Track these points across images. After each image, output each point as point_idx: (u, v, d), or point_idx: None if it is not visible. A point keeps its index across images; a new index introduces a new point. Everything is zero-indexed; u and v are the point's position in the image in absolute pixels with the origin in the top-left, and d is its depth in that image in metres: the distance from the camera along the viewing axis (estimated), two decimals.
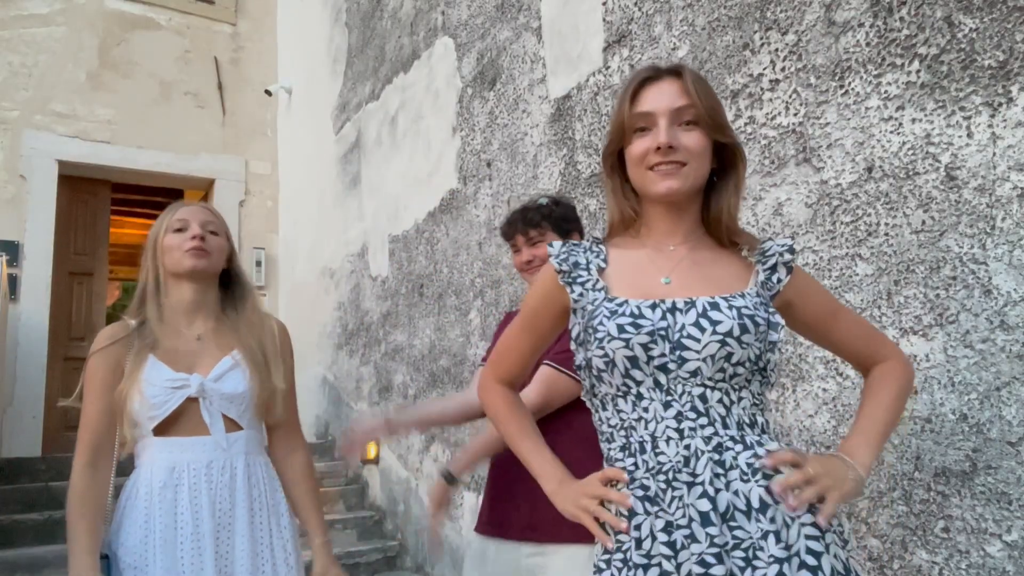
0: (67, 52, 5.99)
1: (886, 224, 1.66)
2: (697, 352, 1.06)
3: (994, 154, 1.47)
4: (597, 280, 1.17)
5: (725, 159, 1.19)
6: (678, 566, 1.01)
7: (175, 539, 1.51)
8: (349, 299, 5.09)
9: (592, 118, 2.66)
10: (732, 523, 1.01)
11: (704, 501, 1.02)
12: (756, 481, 1.03)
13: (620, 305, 1.11)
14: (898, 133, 1.65)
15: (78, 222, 6.08)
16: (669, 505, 1.04)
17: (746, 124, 2.04)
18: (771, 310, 1.12)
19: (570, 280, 1.18)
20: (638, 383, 1.10)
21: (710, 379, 1.07)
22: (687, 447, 1.05)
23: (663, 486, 1.05)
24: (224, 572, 1.52)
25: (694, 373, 1.07)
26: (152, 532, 1.52)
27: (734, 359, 1.06)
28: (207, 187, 6.56)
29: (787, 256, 1.16)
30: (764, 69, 1.99)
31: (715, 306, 1.08)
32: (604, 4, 2.64)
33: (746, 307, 1.09)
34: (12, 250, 5.43)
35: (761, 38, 2.00)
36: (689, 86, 1.15)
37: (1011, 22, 1.45)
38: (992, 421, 1.44)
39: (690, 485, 1.04)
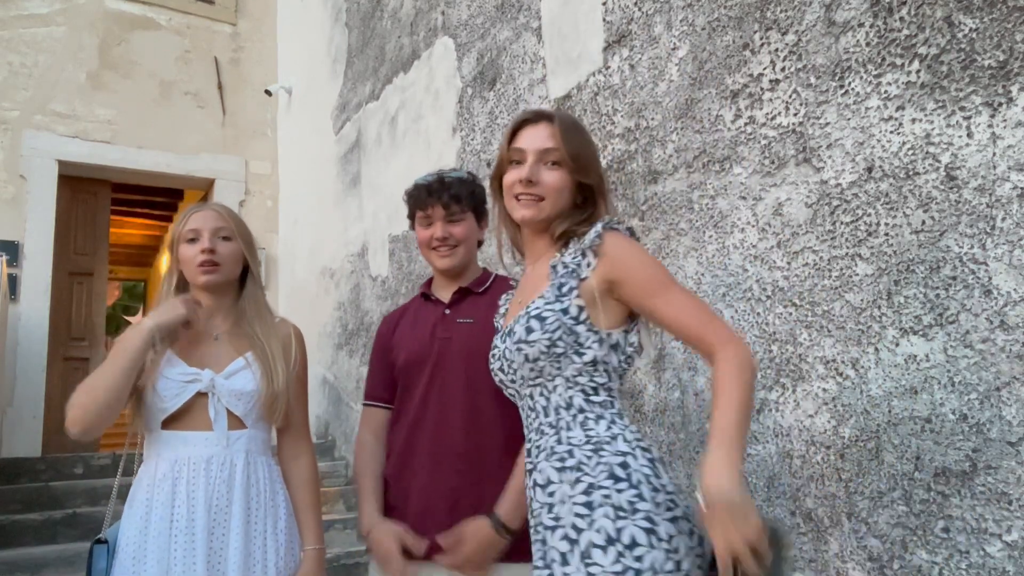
0: (67, 52, 5.98)
1: (886, 224, 1.66)
2: (516, 364, 1.31)
3: (994, 154, 1.47)
4: (501, 321, 1.49)
5: (588, 196, 1.38)
6: (532, 529, 1.31)
7: (169, 532, 1.54)
8: (349, 299, 5.09)
9: (592, 118, 2.66)
10: (538, 495, 1.28)
11: (531, 480, 1.31)
12: (550, 461, 1.26)
13: (495, 338, 1.41)
14: (898, 133, 1.65)
15: (78, 222, 6.08)
16: (527, 489, 1.33)
17: (746, 124, 2.04)
18: (569, 294, 1.27)
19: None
20: (513, 396, 1.39)
21: (530, 381, 1.31)
22: (529, 440, 1.34)
23: (526, 477, 1.34)
24: (215, 568, 1.54)
25: (522, 380, 1.32)
26: (150, 523, 1.55)
27: (531, 356, 1.28)
28: (207, 187, 6.56)
29: (594, 240, 1.27)
30: (764, 69, 1.99)
31: (518, 320, 1.31)
32: (604, 4, 2.64)
33: (536, 307, 1.29)
34: (12, 250, 5.43)
35: (761, 38, 2.00)
36: (558, 132, 1.34)
37: (1011, 22, 1.45)
38: (992, 421, 1.44)
39: (528, 472, 1.32)
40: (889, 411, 1.62)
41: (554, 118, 1.37)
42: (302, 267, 6.13)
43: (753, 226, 1.99)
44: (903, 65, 1.65)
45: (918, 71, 1.62)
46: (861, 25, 1.74)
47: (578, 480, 1.21)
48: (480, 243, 1.92)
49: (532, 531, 1.31)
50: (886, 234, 1.66)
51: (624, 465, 1.20)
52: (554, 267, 1.31)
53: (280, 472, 1.73)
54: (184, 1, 6.54)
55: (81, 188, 6.08)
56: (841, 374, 1.73)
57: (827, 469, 1.74)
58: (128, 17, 6.30)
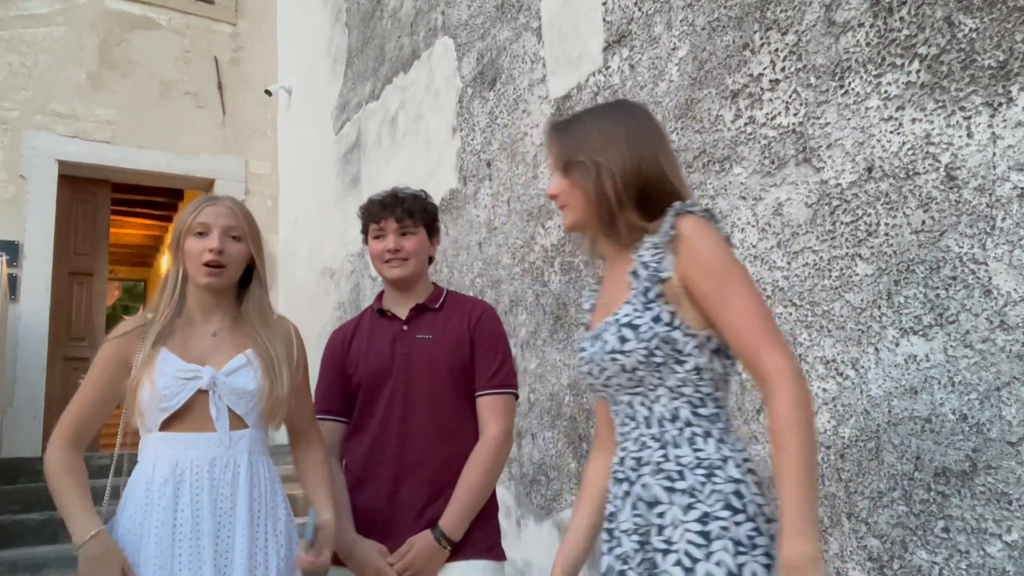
0: (67, 52, 5.98)
1: (886, 224, 1.66)
2: (609, 372, 1.24)
3: (994, 154, 1.47)
4: (588, 317, 1.40)
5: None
6: (612, 538, 1.24)
7: (172, 536, 1.50)
8: (349, 299, 5.09)
9: None
10: (635, 511, 1.20)
11: (620, 489, 1.24)
12: (656, 478, 1.18)
13: (581, 340, 1.33)
14: (898, 133, 1.65)
15: (78, 222, 6.08)
16: (614, 498, 1.26)
17: (746, 124, 2.04)
18: (656, 300, 1.19)
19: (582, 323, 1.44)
20: (604, 398, 1.32)
21: (628, 389, 1.24)
22: (623, 448, 1.26)
23: (612, 484, 1.27)
24: (221, 571, 1.52)
25: (618, 387, 1.25)
26: (148, 527, 1.51)
27: (628, 366, 1.21)
28: (207, 187, 6.56)
29: (669, 232, 1.19)
30: (764, 69, 1.99)
31: (607, 326, 1.24)
32: (604, 4, 2.64)
33: (625, 314, 1.22)
34: (12, 250, 5.43)
35: (761, 38, 2.00)
36: (556, 141, 1.31)
37: (1011, 22, 1.45)
38: (992, 421, 1.44)
39: (618, 481, 1.25)
40: (889, 411, 1.62)
41: (550, 131, 1.35)
42: (302, 267, 6.13)
43: (753, 226, 1.99)
44: (903, 65, 1.65)
45: (918, 71, 1.62)
46: (861, 25, 1.74)
47: (691, 507, 1.15)
48: (431, 260, 1.92)
49: (609, 538, 1.25)
50: (886, 234, 1.66)
51: (739, 495, 1.14)
52: (634, 273, 1.24)
53: (278, 472, 1.72)
54: (184, 1, 6.54)
55: (81, 188, 6.08)
56: (841, 374, 1.73)
57: (827, 469, 1.74)
58: (128, 17, 6.30)
